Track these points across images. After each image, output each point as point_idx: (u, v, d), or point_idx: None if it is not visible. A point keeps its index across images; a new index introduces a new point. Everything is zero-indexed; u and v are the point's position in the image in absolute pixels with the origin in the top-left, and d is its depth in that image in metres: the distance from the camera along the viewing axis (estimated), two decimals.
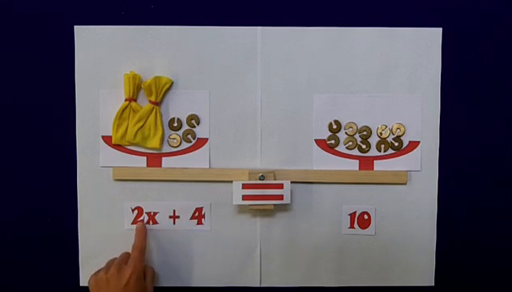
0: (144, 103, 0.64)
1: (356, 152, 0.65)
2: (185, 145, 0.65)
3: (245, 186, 0.62)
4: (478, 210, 0.66)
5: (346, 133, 0.65)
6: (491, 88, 0.65)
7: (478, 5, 0.64)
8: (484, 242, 0.66)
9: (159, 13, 0.64)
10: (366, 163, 0.65)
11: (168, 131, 0.65)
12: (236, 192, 0.63)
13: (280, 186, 0.63)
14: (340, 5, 0.64)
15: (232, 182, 0.63)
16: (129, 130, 0.64)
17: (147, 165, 0.65)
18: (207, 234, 0.66)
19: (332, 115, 0.65)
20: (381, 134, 0.65)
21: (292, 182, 0.64)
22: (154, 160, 0.65)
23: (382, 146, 0.65)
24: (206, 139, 0.65)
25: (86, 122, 0.65)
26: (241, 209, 0.66)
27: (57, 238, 0.66)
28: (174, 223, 0.66)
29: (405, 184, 0.65)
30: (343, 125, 0.65)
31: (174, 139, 0.65)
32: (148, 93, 0.64)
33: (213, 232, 0.66)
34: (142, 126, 0.64)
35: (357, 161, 0.65)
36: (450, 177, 0.65)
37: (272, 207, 0.63)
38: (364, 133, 0.65)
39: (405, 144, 0.65)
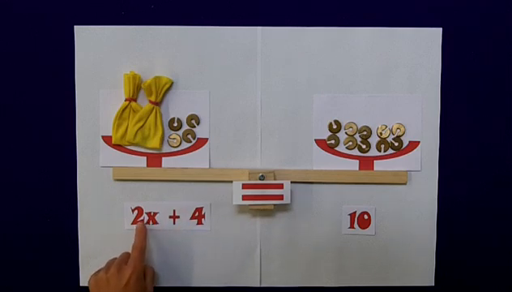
0: (144, 103, 0.64)
1: (356, 152, 0.65)
2: (185, 145, 0.65)
3: (245, 186, 0.62)
4: (478, 210, 0.66)
5: (346, 133, 0.65)
6: (491, 88, 0.65)
7: (478, 5, 0.64)
8: (484, 242, 0.66)
9: (159, 13, 0.64)
10: (366, 163, 0.65)
11: (168, 131, 0.65)
12: (236, 192, 0.63)
13: (280, 186, 0.63)
14: (340, 5, 0.64)
15: (232, 182, 0.63)
16: (129, 130, 0.64)
17: (147, 165, 0.65)
18: (207, 234, 0.66)
19: (332, 115, 0.65)
20: (381, 134, 0.65)
21: (292, 182, 0.64)
22: (154, 160, 0.65)
23: (382, 146, 0.65)
24: (206, 139, 0.65)
25: (86, 122, 0.65)
26: (241, 209, 0.66)
27: (57, 238, 0.66)
28: (174, 223, 0.66)
29: (405, 184, 0.65)
30: (343, 125, 0.65)
31: (174, 139, 0.65)
32: (148, 93, 0.64)
33: (213, 232, 0.66)
34: (142, 126, 0.64)
35: (357, 161, 0.65)
36: (450, 177, 0.65)
37: (272, 207, 0.63)
38: (364, 133, 0.65)
39: (405, 144, 0.65)
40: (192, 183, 0.66)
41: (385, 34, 0.64)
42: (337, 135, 0.65)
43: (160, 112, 0.64)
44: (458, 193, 0.66)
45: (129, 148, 0.65)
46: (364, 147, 0.65)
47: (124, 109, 0.64)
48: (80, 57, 0.64)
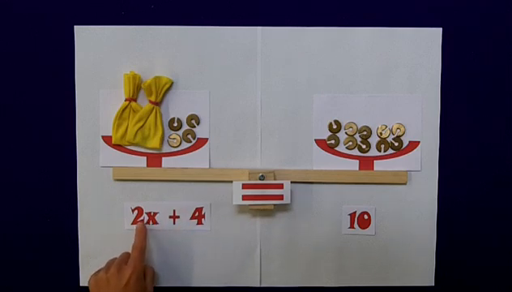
0: (144, 103, 0.64)
1: (356, 152, 0.65)
2: (185, 145, 0.65)
3: (245, 186, 0.62)
4: (478, 210, 0.66)
5: (346, 133, 0.65)
6: (491, 88, 0.65)
7: (478, 5, 0.64)
8: (484, 242, 0.66)
9: (159, 13, 0.64)
10: (366, 163, 0.65)
11: (168, 131, 0.65)
12: (236, 192, 0.63)
13: (280, 186, 0.63)
14: (340, 5, 0.64)
15: (232, 182, 0.63)
16: (129, 130, 0.64)
17: (147, 165, 0.65)
18: (207, 234, 0.66)
19: (332, 115, 0.65)
20: (381, 134, 0.65)
21: (292, 182, 0.64)
22: (154, 160, 0.65)
23: (382, 146, 0.65)
24: (206, 139, 0.65)
25: (86, 122, 0.65)
26: (241, 209, 0.66)
27: (57, 238, 0.66)
28: (174, 223, 0.66)
29: (405, 184, 0.65)
30: (343, 125, 0.65)
31: (174, 139, 0.65)
32: (148, 93, 0.64)
33: (213, 232, 0.66)
34: (142, 126, 0.64)
35: (357, 161, 0.65)
36: (450, 177, 0.65)
37: (272, 207, 0.63)
38: (364, 133, 0.65)
39: (405, 144, 0.65)
40: (192, 183, 0.66)
41: (385, 34, 0.64)
42: (337, 135, 0.65)
43: (159, 112, 0.64)
44: (458, 193, 0.66)
45: (129, 148, 0.65)
46: (364, 147, 0.65)
47: (124, 109, 0.64)
48: (80, 57, 0.64)
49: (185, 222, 0.66)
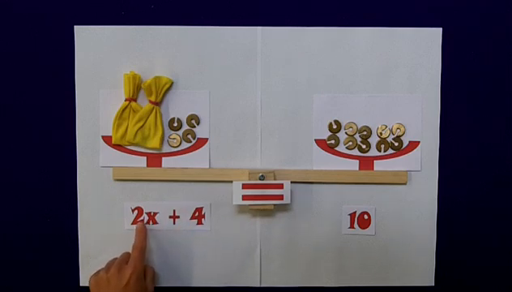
0: (144, 103, 0.64)
1: (356, 152, 0.65)
2: (185, 145, 0.65)
3: (245, 186, 0.62)
4: (478, 210, 0.66)
5: (346, 133, 0.65)
6: (491, 88, 0.65)
7: (478, 5, 0.64)
8: (484, 242, 0.66)
9: (159, 13, 0.64)
10: (366, 163, 0.65)
11: (168, 131, 0.65)
12: (236, 192, 0.63)
13: (280, 186, 0.63)
14: (340, 5, 0.64)
15: (232, 182, 0.63)
16: (129, 130, 0.64)
17: (147, 165, 0.65)
18: (207, 234, 0.66)
19: (332, 115, 0.65)
20: (381, 134, 0.65)
21: (292, 182, 0.64)
22: (154, 160, 0.65)
23: (382, 146, 0.65)
24: (206, 139, 0.65)
25: (86, 122, 0.65)
26: (241, 209, 0.66)
27: (57, 238, 0.66)
28: (174, 223, 0.66)
29: (405, 184, 0.65)
30: (343, 125, 0.65)
31: (174, 139, 0.65)
32: (148, 93, 0.64)
33: (213, 232, 0.66)
34: (142, 126, 0.64)
35: (357, 161, 0.65)
36: (450, 177, 0.65)
37: (272, 207, 0.63)
38: (364, 133, 0.65)
39: (405, 144, 0.65)
40: (192, 183, 0.66)
41: (385, 34, 0.64)
42: (337, 135, 0.65)
43: (160, 112, 0.64)
44: (458, 193, 0.66)
45: (129, 148, 0.65)
46: (364, 147, 0.65)
47: (124, 109, 0.64)
48: (80, 57, 0.64)
49: (185, 222, 0.66)
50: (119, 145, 0.65)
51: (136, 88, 0.64)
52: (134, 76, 0.63)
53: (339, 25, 0.64)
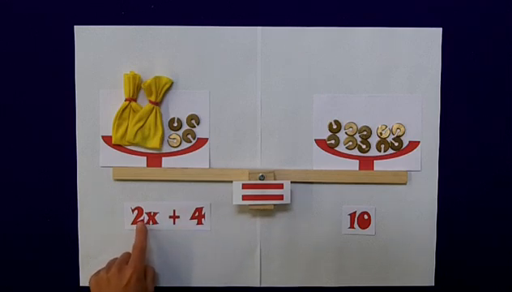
0: (144, 103, 0.64)
1: (356, 152, 0.65)
2: (185, 145, 0.65)
3: (245, 186, 0.62)
4: (478, 210, 0.66)
5: (346, 133, 0.65)
6: (491, 88, 0.65)
7: (478, 5, 0.64)
8: (484, 242, 0.66)
9: (159, 13, 0.64)
10: (366, 163, 0.65)
11: (168, 131, 0.65)
12: (236, 192, 0.63)
13: (280, 186, 0.63)
14: (340, 5, 0.64)
15: (232, 182, 0.63)
16: (129, 130, 0.64)
17: (147, 165, 0.65)
18: (207, 234, 0.66)
19: (332, 115, 0.65)
20: (381, 134, 0.65)
21: (292, 182, 0.64)
22: (154, 160, 0.65)
23: (382, 146, 0.65)
24: (206, 139, 0.65)
25: (86, 122, 0.65)
26: (241, 209, 0.66)
27: (57, 238, 0.66)
28: (174, 223, 0.66)
29: (405, 184, 0.65)
30: (343, 125, 0.65)
31: (174, 139, 0.65)
32: (148, 93, 0.64)
33: (213, 232, 0.66)
34: (142, 126, 0.64)
35: (357, 161, 0.65)
36: (450, 177, 0.65)
37: (272, 207, 0.63)
38: (364, 133, 0.65)
39: (405, 144, 0.65)
40: (192, 183, 0.66)
41: (385, 34, 0.64)
42: (337, 135, 0.65)
43: (160, 112, 0.64)
44: (458, 193, 0.66)
45: (129, 148, 0.65)
46: (364, 147, 0.65)
47: (124, 109, 0.64)
48: (80, 57, 0.64)
49: (185, 222, 0.66)
50: (119, 145, 0.65)
51: (136, 88, 0.64)
52: (134, 76, 0.63)
53: (339, 25, 0.64)
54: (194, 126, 0.65)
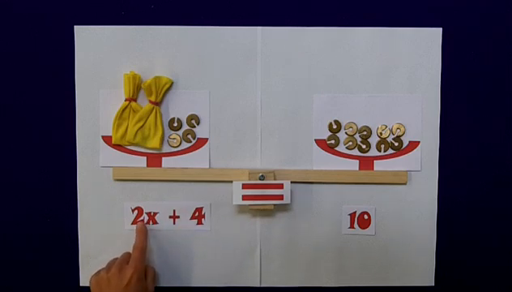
0: (144, 103, 0.64)
1: (356, 152, 0.65)
2: (185, 145, 0.65)
3: (245, 186, 0.62)
4: (478, 210, 0.66)
5: (346, 133, 0.65)
6: (491, 88, 0.65)
7: (478, 5, 0.64)
8: (484, 242, 0.66)
9: (159, 13, 0.64)
10: (366, 163, 0.65)
11: (168, 131, 0.65)
12: (236, 192, 0.63)
13: (280, 186, 0.63)
14: (340, 5, 0.64)
15: (232, 182, 0.63)
16: (129, 130, 0.64)
17: (147, 165, 0.65)
18: (207, 234, 0.66)
19: (332, 115, 0.65)
20: (381, 134, 0.65)
21: (292, 182, 0.64)
22: (154, 160, 0.65)
23: (382, 146, 0.65)
24: (206, 139, 0.65)
25: (86, 122, 0.65)
26: (241, 209, 0.66)
27: (57, 238, 0.66)
28: (174, 223, 0.66)
29: (405, 184, 0.65)
30: (343, 125, 0.65)
31: (174, 139, 0.65)
32: (148, 93, 0.64)
33: (213, 232, 0.66)
34: (142, 126, 0.64)
35: (357, 161, 0.65)
36: (450, 177, 0.65)
37: (272, 207, 0.63)
38: (364, 133, 0.65)
39: (405, 144, 0.65)
40: (192, 183, 0.66)
41: (385, 34, 0.64)
42: (337, 135, 0.65)
43: (160, 112, 0.64)
44: (458, 193, 0.66)
45: (129, 148, 0.65)
46: (364, 147, 0.65)
47: (124, 109, 0.64)
48: (80, 57, 0.64)
49: (185, 222, 0.66)
50: (119, 145, 0.65)
51: (136, 88, 0.64)
52: (134, 76, 0.63)
53: (339, 25, 0.64)
54: (194, 126, 0.65)
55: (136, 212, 0.66)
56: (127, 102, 0.64)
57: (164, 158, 0.65)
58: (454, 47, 0.64)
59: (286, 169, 0.65)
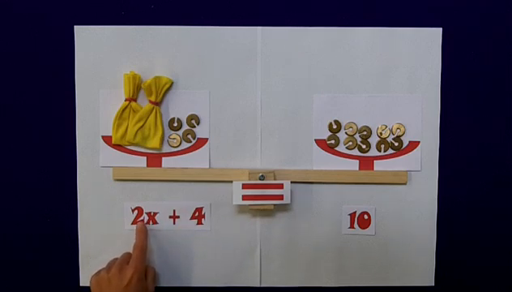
0: (144, 103, 0.64)
1: (356, 152, 0.65)
2: (185, 145, 0.65)
3: (245, 186, 0.62)
4: (478, 210, 0.66)
5: (346, 133, 0.65)
6: (491, 88, 0.65)
7: (478, 5, 0.64)
8: (484, 242, 0.66)
9: (159, 13, 0.64)
10: (366, 163, 0.65)
11: (168, 131, 0.65)
12: (236, 192, 0.63)
13: (280, 186, 0.63)
14: (340, 5, 0.64)
15: (232, 182, 0.63)
16: (129, 130, 0.64)
17: (147, 165, 0.65)
18: (207, 234, 0.66)
19: (332, 115, 0.65)
20: (381, 134, 0.65)
21: (292, 182, 0.64)
22: (154, 160, 0.65)
23: (382, 146, 0.65)
24: (206, 139, 0.65)
25: (86, 122, 0.65)
26: (241, 209, 0.66)
27: (57, 238, 0.66)
28: (174, 223, 0.66)
29: (405, 184, 0.65)
30: (343, 125, 0.65)
31: (174, 139, 0.65)
32: (148, 93, 0.64)
33: (213, 232, 0.66)
34: (142, 126, 0.64)
35: (357, 161, 0.65)
36: (450, 177, 0.65)
37: (272, 207, 0.63)
38: (364, 133, 0.65)
39: (405, 144, 0.65)
40: (192, 183, 0.66)
41: (385, 34, 0.64)
42: (337, 135, 0.65)
43: (160, 112, 0.64)
44: (458, 193, 0.66)
45: (129, 148, 0.65)
46: (364, 147, 0.65)
47: (124, 109, 0.64)
48: (80, 57, 0.64)
49: (185, 222, 0.66)
50: (119, 145, 0.65)
51: (136, 88, 0.64)
52: (134, 76, 0.63)
53: (339, 25, 0.64)
54: (194, 126, 0.65)
55: (136, 212, 0.66)
56: (127, 102, 0.64)
57: (164, 158, 0.65)
58: (454, 47, 0.64)
59: (286, 169, 0.65)
